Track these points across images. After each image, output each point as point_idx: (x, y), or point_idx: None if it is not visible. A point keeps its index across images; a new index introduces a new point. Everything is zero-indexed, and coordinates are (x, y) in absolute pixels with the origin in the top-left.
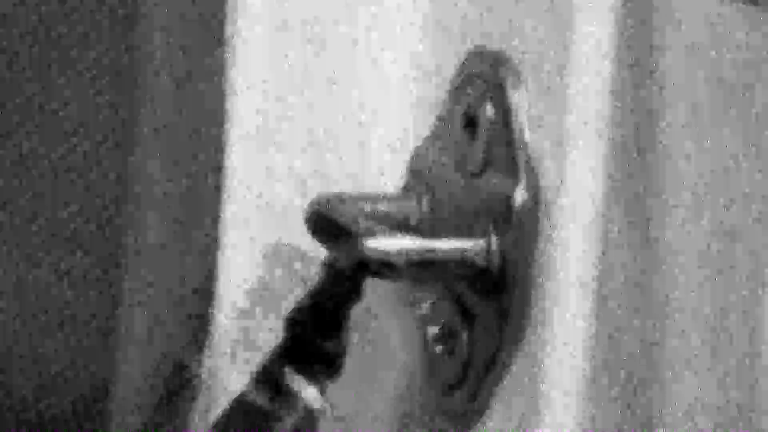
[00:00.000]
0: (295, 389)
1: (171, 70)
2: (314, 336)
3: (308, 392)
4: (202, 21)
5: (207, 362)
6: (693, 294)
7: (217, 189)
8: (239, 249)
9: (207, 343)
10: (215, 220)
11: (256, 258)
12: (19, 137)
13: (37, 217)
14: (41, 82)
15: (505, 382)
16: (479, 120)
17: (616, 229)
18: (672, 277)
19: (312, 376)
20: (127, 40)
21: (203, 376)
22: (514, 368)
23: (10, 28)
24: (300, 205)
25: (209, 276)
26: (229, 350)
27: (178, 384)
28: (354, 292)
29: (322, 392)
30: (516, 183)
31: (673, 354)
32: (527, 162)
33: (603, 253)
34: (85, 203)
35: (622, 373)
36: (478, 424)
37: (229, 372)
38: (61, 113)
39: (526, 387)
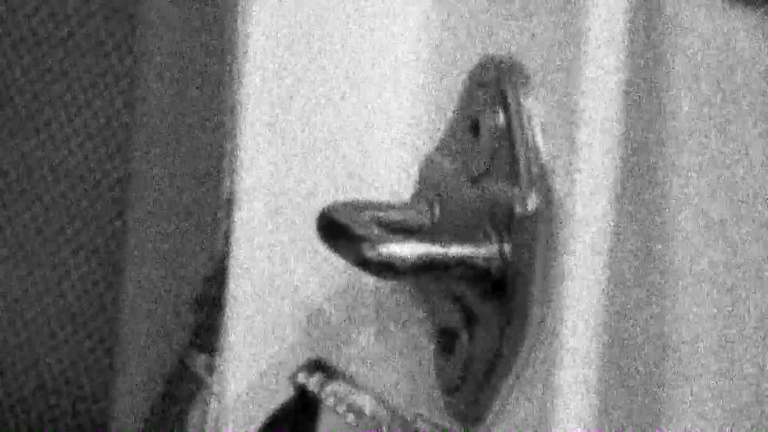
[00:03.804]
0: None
1: (172, 75)
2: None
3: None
4: (204, 25)
5: (214, 364)
6: (703, 301)
7: (218, 192)
8: (248, 257)
9: (214, 345)
10: (215, 222)
11: (265, 266)
12: (20, 140)
13: (39, 219)
14: (43, 86)
15: (508, 384)
16: (488, 126)
17: (625, 233)
18: (680, 281)
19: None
20: (128, 44)
21: (207, 378)
22: (517, 370)
23: (11, 32)
24: (309, 213)
25: (211, 279)
26: (235, 352)
27: (181, 386)
28: None
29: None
30: (525, 189)
31: (683, 360)
32: (536, 168)
33: (612, 258)
34: (87, 206)
35: (632, 380)
36: (481, 426)
37: (236, 374)
38: (62, 117)
39: (534, 392)
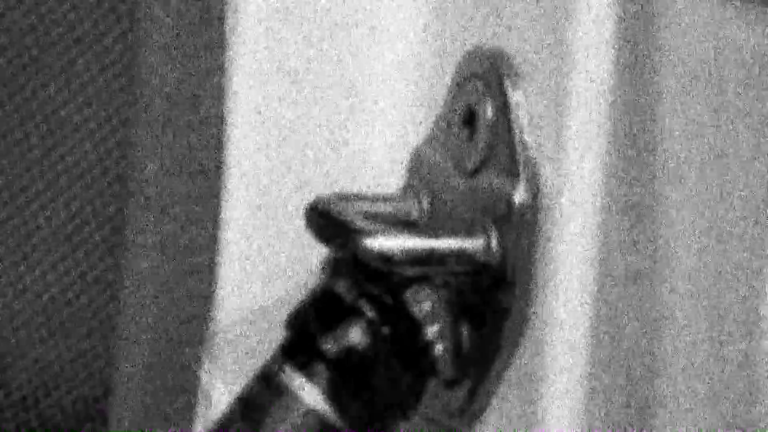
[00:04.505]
0: (295, 388)
1: (171, 70)
2: (316, 334)
3: (308, 391)
4: (202, 21)
5: (207, 362)
6: (693, 293)
7: (217, 189)
8: (239, 249)
9: (207, 343)
10: (215, 219)
11: (256, 258)
12: (19, 137)
13: (37, 216)
14: (41, 82)
15: (505, 380)
16: (478, 118)
17: (615, 226)
18: (672, 276)
19: (313, 376)
20: (127, 38)
21: (203, 376)
22: (513, 366)
23: (9, 27)
24: (300, 205)
25: (210, 276)
26: (228, 350)
27: (179, 384)
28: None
29: (328, 392)
30: (515, 181)
31: (673, 353)
32: (527, 160)
33: (602, 252)
34: (85, 203)
35: (622, 373)
36: (477, 423)
37: (229, 372)
38: (61, 112)
39: (526, 385)
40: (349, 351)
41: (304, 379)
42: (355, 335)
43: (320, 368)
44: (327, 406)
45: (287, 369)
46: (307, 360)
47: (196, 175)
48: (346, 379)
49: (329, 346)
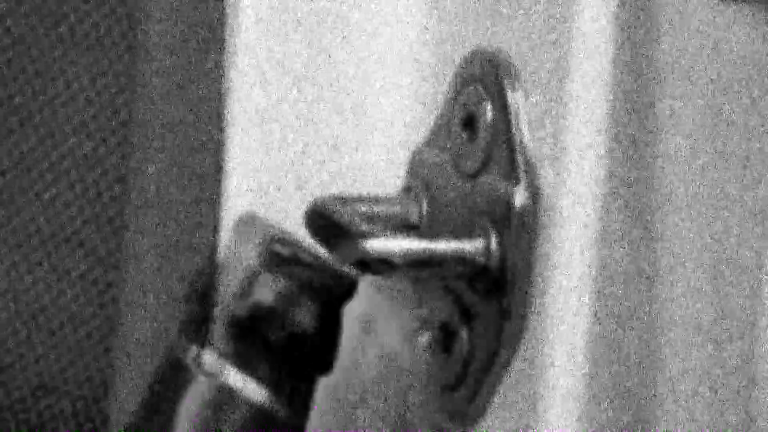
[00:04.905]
0: (236, 386)
1: (171, 71)
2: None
3: (249, 388)
4: (202, 22)
5: (207, 361)
6: (693, 294)
7: (217, 189)
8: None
9: (207, 342)
10: (215, 220)
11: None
12: (18, 139)
13: (37, 217)
14: (41, 82)
15: (504, 382)
16: (478, 120)
17: (615, 228)
18: (672, 277)
19: (254, 372)
20: (127, 40)
21: (203, 375)
22: (513, 368)
23: (10, 28)
24: (300, 206)
25: (209, 276)
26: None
27: (176, 383)
28: (350, 291)
29: (273, 388)
30: (515, 183)
31: (673, 353)
32: (526, 162)
33: (602, 253)
34: (85, 203)
35: (622, 373)
36: (478, 424)
37: (229, 371)
38: (61, 113)
39: (525, 387)
40: (293, 338)
41: (245, 377)
42: (301, 320)
43: (260, 358)
44: (268, 397)
45: (228, 368)
46: (248, 357)
47: (196, 176)
48: (285, 365)
49: (271, 334)
